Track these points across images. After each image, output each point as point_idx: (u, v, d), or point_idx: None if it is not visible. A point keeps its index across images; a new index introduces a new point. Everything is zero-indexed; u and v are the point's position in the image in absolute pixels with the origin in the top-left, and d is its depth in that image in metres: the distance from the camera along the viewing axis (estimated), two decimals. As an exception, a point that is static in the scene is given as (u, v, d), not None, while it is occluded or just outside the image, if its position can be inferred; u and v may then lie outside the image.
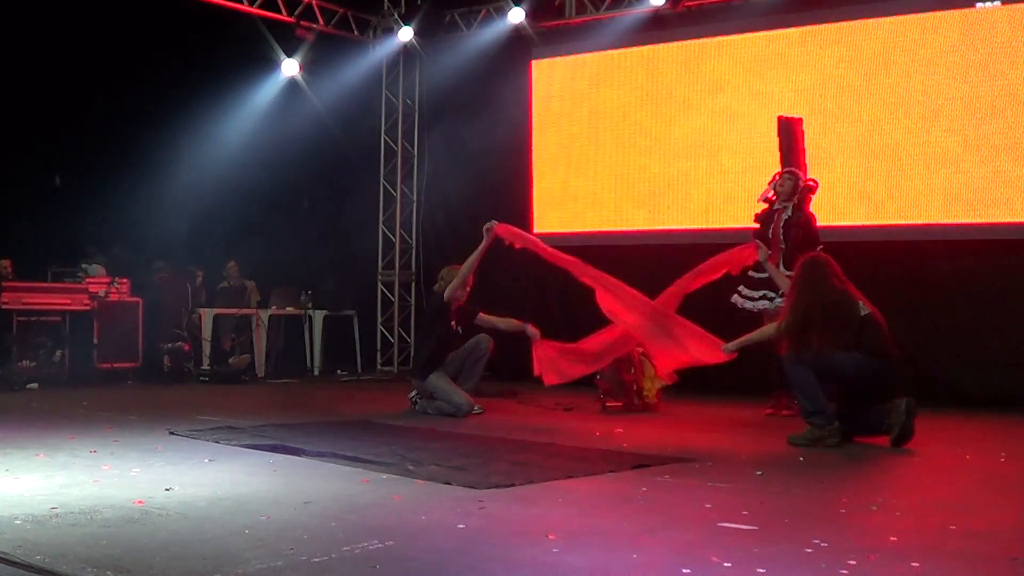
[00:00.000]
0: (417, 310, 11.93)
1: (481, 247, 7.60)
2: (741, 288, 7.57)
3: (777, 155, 7.93)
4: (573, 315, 10.47)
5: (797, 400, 6.29)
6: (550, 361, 7.48)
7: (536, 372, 7.50)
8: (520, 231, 7.91)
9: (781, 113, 8.37)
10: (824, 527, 3.73)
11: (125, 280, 10.14)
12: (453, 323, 7.69)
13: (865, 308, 5.97)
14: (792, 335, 6.00)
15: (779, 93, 9.35)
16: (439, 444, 5.87)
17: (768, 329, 6.55)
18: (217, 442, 5.83)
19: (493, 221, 7.65)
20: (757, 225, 7.69)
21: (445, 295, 7.60)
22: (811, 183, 7.67)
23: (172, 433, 6.14)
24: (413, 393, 7.76)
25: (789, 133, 7.92)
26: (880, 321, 5.97)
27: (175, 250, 11.40)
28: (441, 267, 11.36)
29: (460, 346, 7.73)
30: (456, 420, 7.21)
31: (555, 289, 10.58)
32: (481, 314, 7.80)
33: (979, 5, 8.43)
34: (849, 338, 5.89)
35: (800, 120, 8.15)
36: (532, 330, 7.57)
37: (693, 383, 8.19)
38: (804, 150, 7.94)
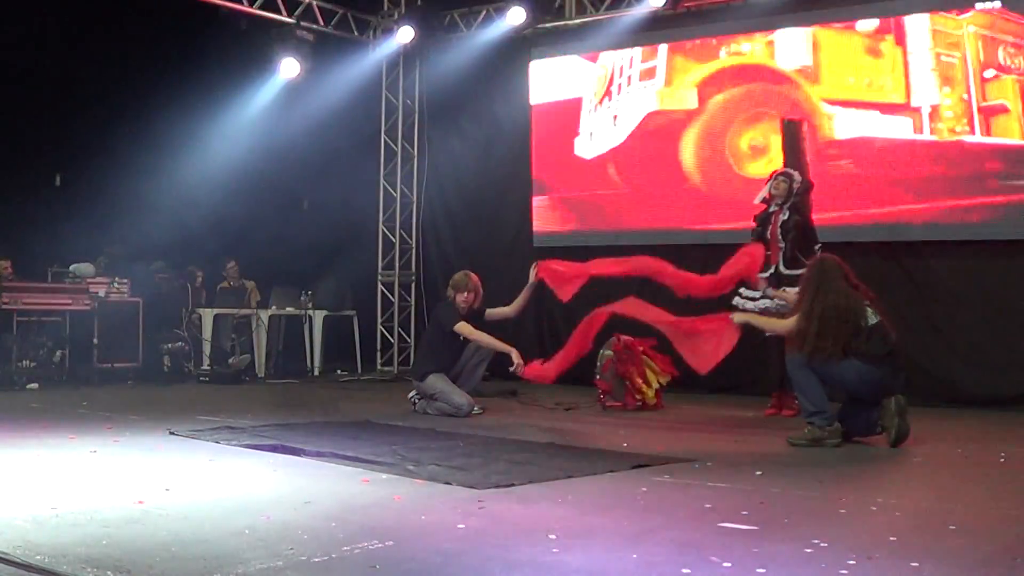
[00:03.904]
0: (417, 310, 11.94)
1: (501, 346, 7.49)
2: (742, 290, 7.58)
3: (780, 155, 7.94)
4: (574, 319, 10.50)
5: (799, 400, 6.29)
6: (539, 374, 7.44)
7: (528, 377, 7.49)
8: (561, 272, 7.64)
9: (782, 113, 8.36)
10: (824, 527, 3.73)
11: (125, 280, 10.14)
12: (461, 336, 7.68)
13: (876, 316, 5.95)
14: (805, 340, 5.95)
15: (779, 93, 9.36)
16: (439, 444, 5.87)
17: (780, 324, 6.46)
18: (217, 442, 5.82)
19: (520, 366, 7.31)
20: (756, 225, 7.70)
21: (455, 328, 7.53)
22: (807, 183, 7.67)
23: (172, 433, 6.14)
24: (412, 393, 7.75)
25: (792, 134, 7.92)
26: (889, 329, 5.95)
27: (175, 250, 11.40)
28: (441, 267, 11.50)
29: (463, 349, 7.72)
30: (456, 420, 7.21)
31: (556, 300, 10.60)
32: (488, 310, 7.77)
33: (979, 6, 8.44)
34: (857, 344, 5.88)
35: (803, 121, 8.15)
36: (517, 360, 7.31)
37: (693, 383, 8.19)
38: (807, 151, 7.94)
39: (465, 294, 7.63)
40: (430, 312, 10.65)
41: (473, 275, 7.77)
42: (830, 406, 5.97)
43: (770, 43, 9.48)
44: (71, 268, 10.02)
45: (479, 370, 7.76)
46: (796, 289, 6.48)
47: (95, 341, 9.66)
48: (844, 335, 5.86)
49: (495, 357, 7.78)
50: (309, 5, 11.03)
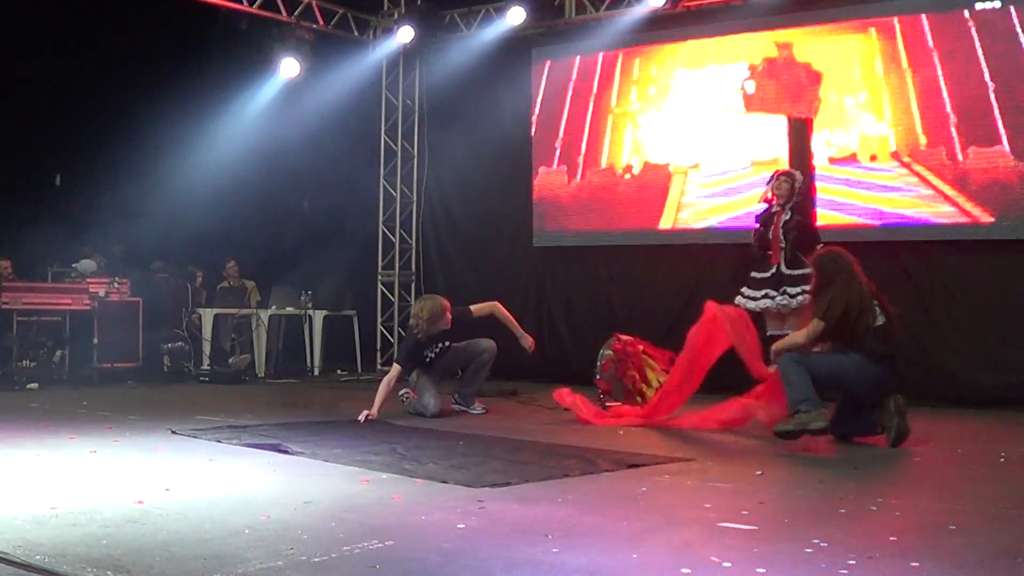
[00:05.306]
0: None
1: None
2: (744, 289, 7.59)
3: (781, 154, 7.93)
4: (574, 319, 10.51)
5: (786, 393, 6.15)
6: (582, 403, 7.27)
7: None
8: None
9: (781, 113, 8.34)
10: (824, 527, 3.73)
11: (125, 280, 10.14)
12: (428, 358, 7.56)
13: (882, 316, 5.93)
14: (829, 334, 5.87)
15: (780, 93, 9.36)
16: (438, 443, 5.88)
17: (798, 336, 6.18)
18: (217, 442, 5.83)
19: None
20: (758, 225, 7.70)
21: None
22: (810, 183, 7.66)
23: (173, 433, 6.14)
24: (403, 391, 7.73)
25: (798, 133, 7.91)
26: (892, 331, 5.93)
27: (175, 250, 11.40)
28: (441, 268, 11.51)
29: (442, 358, 7.62)
30: (456, 420, 7.21)
31: (557, 295, 10.60)
32: (472, 307, 7.71)
33: (979, 6, 8.43)
34: (864, 342, 5.86)
35: (810, 120, 8.14)
36: (528, 341, 7.55)
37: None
38: (812, 150, 7.94)
39: (445, 318, 7.45)
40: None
41: (439, 299, 7.58)
42: (816, 396, 5.83)
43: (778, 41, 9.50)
44: (75, 265, 10.04)
45: (482, 373, 7.75)
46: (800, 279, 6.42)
47: (95, 341, 9.66)
48: (860, 332, 5.83)
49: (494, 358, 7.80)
50: (309, 5, 11.02)
